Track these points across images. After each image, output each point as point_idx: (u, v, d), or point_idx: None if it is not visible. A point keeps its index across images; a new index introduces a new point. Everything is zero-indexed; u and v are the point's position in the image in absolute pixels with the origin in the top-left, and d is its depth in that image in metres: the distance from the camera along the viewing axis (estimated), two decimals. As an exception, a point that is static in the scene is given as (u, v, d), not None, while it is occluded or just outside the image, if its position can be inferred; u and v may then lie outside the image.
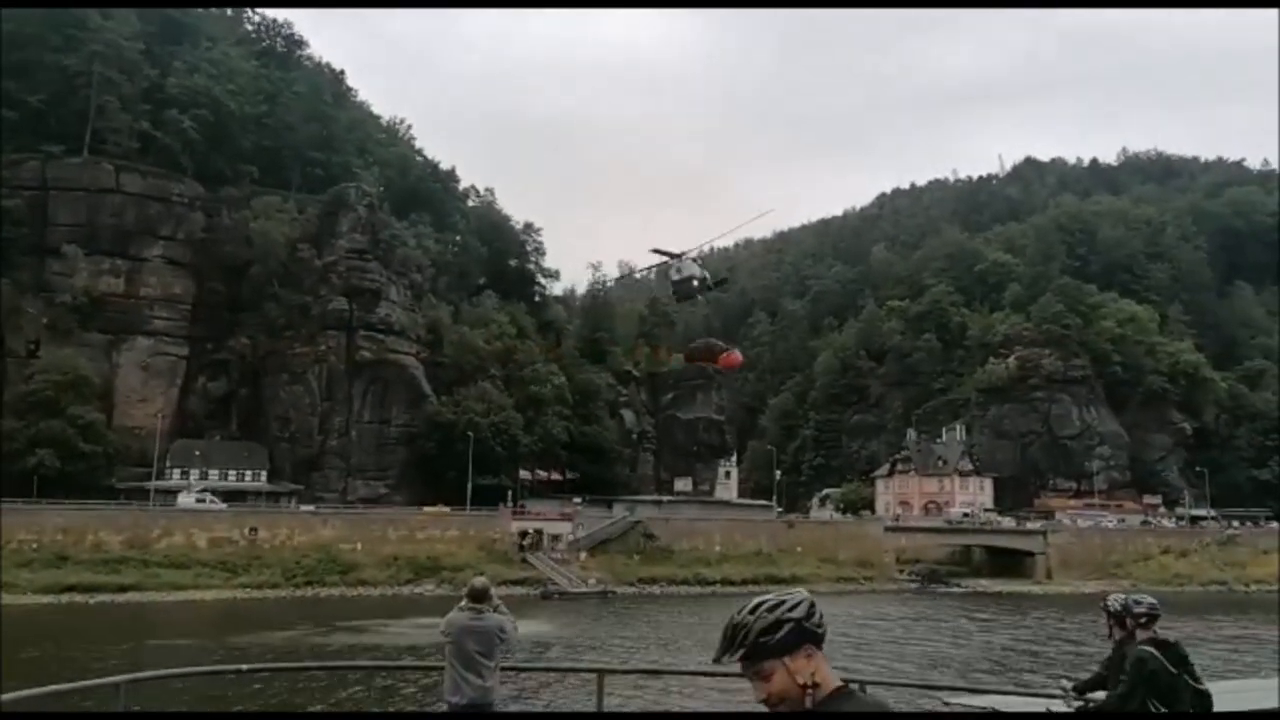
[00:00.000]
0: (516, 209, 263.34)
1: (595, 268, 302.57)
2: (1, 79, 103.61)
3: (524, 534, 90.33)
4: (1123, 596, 7.80)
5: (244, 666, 11.22)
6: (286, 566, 77.13)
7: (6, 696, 7.92)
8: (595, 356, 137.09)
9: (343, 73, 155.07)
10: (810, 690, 2.78)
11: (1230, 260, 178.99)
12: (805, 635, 2.83)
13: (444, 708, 9.66)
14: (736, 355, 23.66)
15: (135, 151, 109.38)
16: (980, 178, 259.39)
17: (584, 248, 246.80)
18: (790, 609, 2.85)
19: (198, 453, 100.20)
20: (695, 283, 20.02)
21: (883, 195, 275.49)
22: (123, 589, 68.85)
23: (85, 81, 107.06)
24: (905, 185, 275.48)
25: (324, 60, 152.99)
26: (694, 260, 20.34)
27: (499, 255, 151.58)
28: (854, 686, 2.89)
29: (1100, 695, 7.76)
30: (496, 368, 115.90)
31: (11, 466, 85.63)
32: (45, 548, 71.99)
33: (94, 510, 79.02)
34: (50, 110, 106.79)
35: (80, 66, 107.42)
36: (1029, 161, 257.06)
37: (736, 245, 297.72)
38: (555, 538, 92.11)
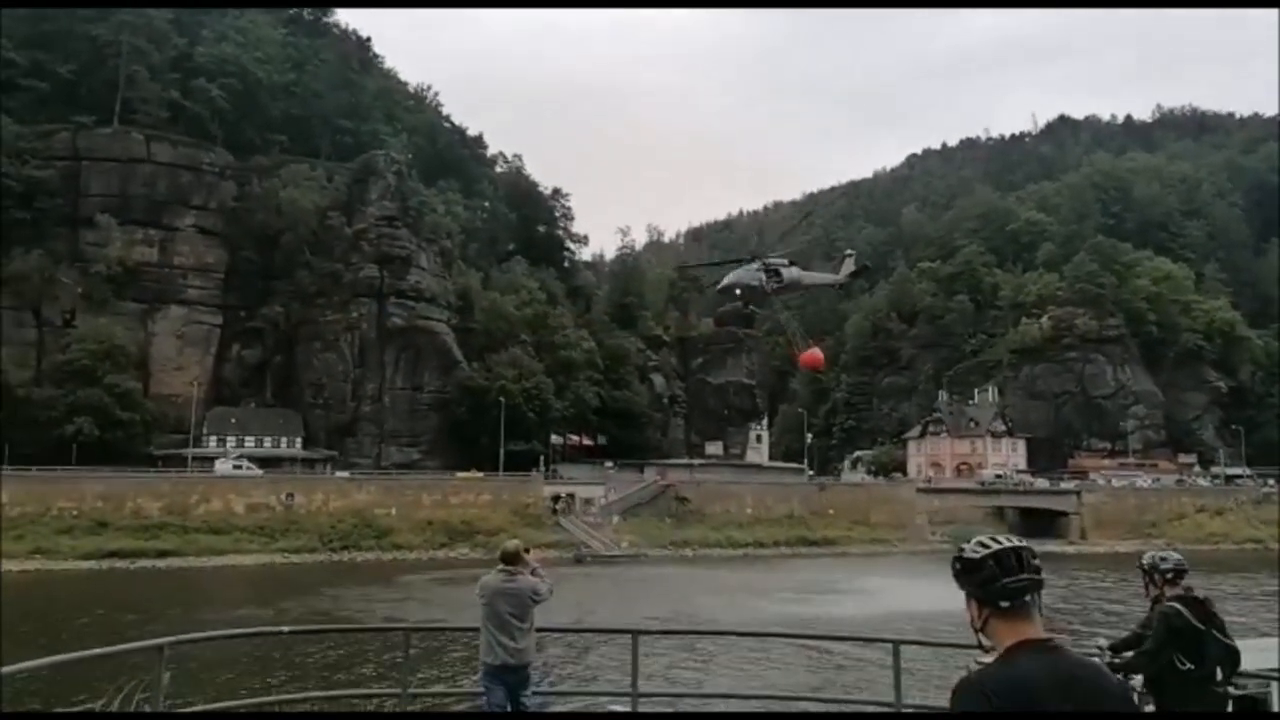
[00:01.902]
0: (545, 175, 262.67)
1: (624, 233, 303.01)
2: (31, 50, 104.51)
3: (556, 498, 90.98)
4: (1152, 553, 7.81)
5: (285, 628, 11.46)
6: (323, 531, 78.10)
7: (53, 659, 8.10)
8: (625, 321, 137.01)
9: (369, 40, 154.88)
10: (979, 633, 3.25)
11: (1266, 217, 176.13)
12: (966, 586, 3.27)
13: (481, 668, 9.86)
14: (815, 354, 22.95)
15: (165, 121, 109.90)
16: (1013, 136, 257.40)
17: (612, 213, 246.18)
18: (960, 559, 3.31)
19: (233, 420, 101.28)
20: (738, 291, 19.82)
21: (913, 156, 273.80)
22: (163, 554, 70.03)
23: (115, 51, 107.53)
24: (936, 145, 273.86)
25: (350, 28, 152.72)
26: (760, 267, 19.84)
27: (528, 221, 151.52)
28: (1057, 640, 3.15)
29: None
30: (527, 334, 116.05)
31: (50, 434, 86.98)
32: (85, 514, 73.11)
33: (133, 477, 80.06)
34: (81, 80, 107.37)
35: (109, 36, 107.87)
36: (1062, 119, 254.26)
37: (765, 208, 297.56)
38: (587, 502, 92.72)
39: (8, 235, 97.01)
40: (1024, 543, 3.29)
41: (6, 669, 6.76)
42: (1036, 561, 3.27)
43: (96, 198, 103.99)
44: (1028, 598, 3.19)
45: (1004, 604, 3.16)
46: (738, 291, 19.89)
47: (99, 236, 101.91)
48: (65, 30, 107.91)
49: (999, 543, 3.29)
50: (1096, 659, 8.26)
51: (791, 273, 20.24)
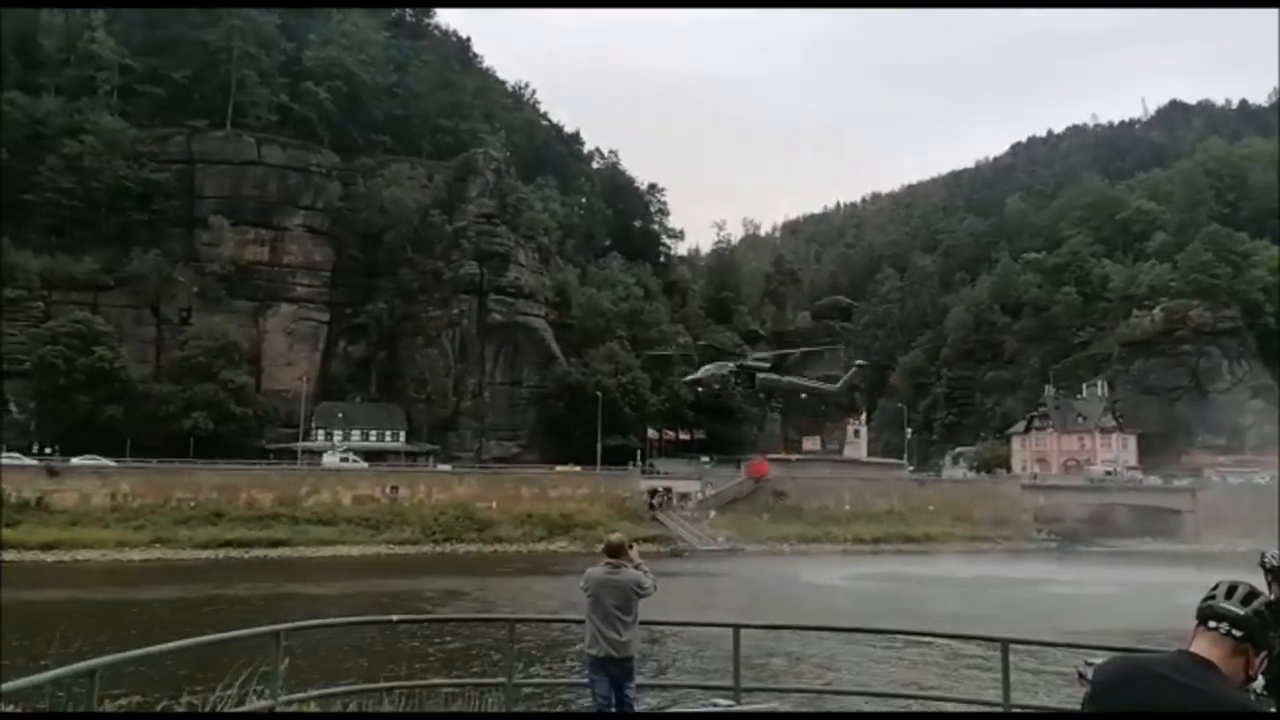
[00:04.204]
0: (640, 170, 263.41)
1: (719, 227, 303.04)
2: (147, 57, 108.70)
3: (653, 493, 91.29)
4: (1276, 551, 7.50)
5: (394, 617, 11.75)
6: (426, 524, 79.69)
7: (168, 646, 8.44)
8: (721, 316, 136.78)
9: (469, 40, 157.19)
10: None
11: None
12: None
13: (585, 660, 9.99)
14: (760, 466, 23.65)
15: (274, 124, 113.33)
16: (1122, 122, 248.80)
17: (708, 207, 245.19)
18: None
19: (340, 414, 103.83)
20: (700, 387, 20.69)
21: (1017, 144, 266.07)
22: (275, 544, 72.16)
23: (226, 57, 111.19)
24: (1041, 133, 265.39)
25: (451, 28, 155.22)
26: (733, 369, 20.57)
27: (624, 217, 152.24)
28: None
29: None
30: (623, 329, 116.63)
31: (169, 428, 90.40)
32: (202, 505, 75.87)
33: (246, 470, 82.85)
34: (194, 86, 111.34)
35: (221, 42, 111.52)
36: (1174, 104, 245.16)
37: (864, 200, 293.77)
38: (684, 496, 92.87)
39: (127, 236, 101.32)
40: (1255, 589, 3.47)
41: (87, 662, 6.97)
42: (1247, 604, 3.35)
43: (210, 199, 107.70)
44: (1212, 624, 3.28)
45: (1198, 619, 3.32)
46: (700, 387, 20.67)
47: (213, 237, 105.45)
48: (178, 37, 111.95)
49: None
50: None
51: (769, 378, 20.55)
